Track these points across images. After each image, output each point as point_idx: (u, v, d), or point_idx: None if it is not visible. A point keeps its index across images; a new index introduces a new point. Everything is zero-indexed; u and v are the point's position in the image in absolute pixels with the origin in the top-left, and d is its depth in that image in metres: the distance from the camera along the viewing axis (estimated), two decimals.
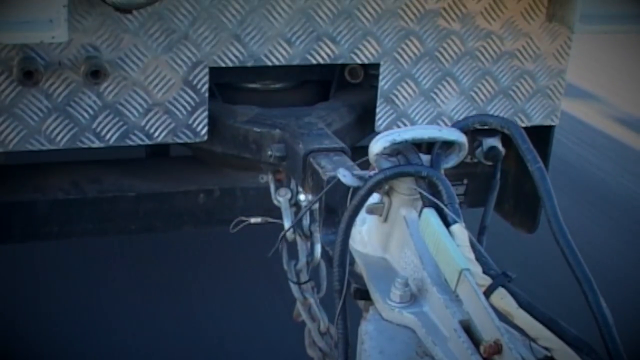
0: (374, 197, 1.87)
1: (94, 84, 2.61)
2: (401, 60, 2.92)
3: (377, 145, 1.81)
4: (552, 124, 3.18)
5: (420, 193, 1.79)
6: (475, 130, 3.03)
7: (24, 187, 2.87)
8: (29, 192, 2.86)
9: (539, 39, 3.04)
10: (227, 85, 3.02)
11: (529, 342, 1.66)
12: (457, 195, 3.24)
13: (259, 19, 2.74)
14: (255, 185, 2.92)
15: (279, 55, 2.79)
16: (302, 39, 2.80)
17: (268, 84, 3.10)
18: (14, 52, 2.53)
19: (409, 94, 2.97)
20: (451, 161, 1.86)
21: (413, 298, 1.76)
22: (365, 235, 1.94)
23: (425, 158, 1.84)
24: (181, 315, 3.73)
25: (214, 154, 2.93)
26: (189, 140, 2.79)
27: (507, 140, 1.94)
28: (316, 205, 2.33)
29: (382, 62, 2.90)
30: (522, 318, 1.66)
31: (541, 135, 3.17)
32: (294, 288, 2.41)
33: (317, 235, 2.37)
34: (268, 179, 2.78)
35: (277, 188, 2.66)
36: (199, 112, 2.76)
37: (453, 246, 1.68)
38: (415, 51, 2.93)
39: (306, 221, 2.43)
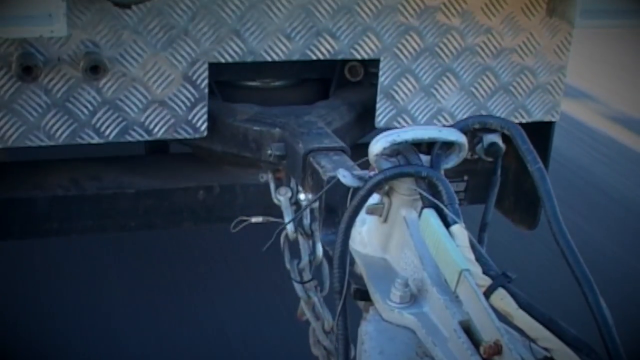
0: (374, 198, 1.87)
1: (93, 80, 2.61)
2: (401, 56, 2.92)
3: (377, 146, 1.81)
4: (553, 119, 3.17)
5: (420, 193, 1.78)
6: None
7: (24, 184, 2.87)
8: (28, 189, 2.86)
9: (539, 35, 3.04)
10: (226, 83, 3.01)
11: (529, 342, 1.66)
12: (458, 192, 3.27)
13: (258, 14, 2.73)
14: (255, 182, 2.91)
15: (279, 51, 2.78)
16: (301, 34, 2.79)
17: (268, 82, 3.10)
18: (12, 48, 2.53)
19: (409, 89, 2.96)
20: (451, 162, 1.86)
21: (413, 299, 1.76)
22: (365, 235, 1.93)
23: (425, 158, 1.84)
24: (182, 314, 3.73)
25: (213, 153, 2.93)
26: (188, 136, 2.78)
27: (507, 136, 1.94)
28: (316, 204, 2.32)
29: (382, 58, 2.90)
30: (522, 319, 1.66)
31: (542, 131, 3.17)
32: (297, 287, 2.40)
33: (319, 234, 2.37)
34: (268, 177, 2.78)
35: (277, 187, 2.66)
36: (198, 107, 2.76)
37: (453, 247, 1.68)
38: (415, 47, 2.92)
39: (307, 220, 2.42)
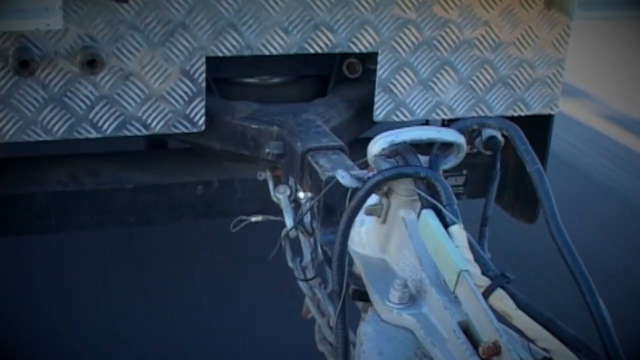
0: (373, 199, 1.87)
1: (90, 74, 2.60)
2: (399, 49, 2.91)
3: (375, 147, 1.81)
4: (552, 112, 3.17)
5: (418, 194, 1.78)
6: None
7: (22, 180, 2.87)
8: (27, 185, 2.85)
9: (537, 27, 3.03)
10: (224, 80, 3.01)
11: (528, 343, 1.66)
12: (457, 185, 3.27)
13: (255, 8, 2.72)
14: (253, 177, 2.91)
15: (276, 45, 2.77)
16: (299, 28, 2.78)
17: (266, 79, 3.09)
18: (9, 43, 2.52)
19: (407, 83, 2.95)
20: (450, 162, 1.86)
21: (412, 299, 1.76)
22: (364, 236, 1.94)
23: (424, 159, 1.84)
24: (183, 313, 3.73)
25: (212, 151, 2.92)
26: (186, 131, 2.77)
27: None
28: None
29: (379, 51, 2.89)
30: (521, 319, 1.66)
31: (540, 125, 3.16)
32: (302, 285, 2.40)
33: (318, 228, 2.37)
34: (266, 175, 2.78)
35: (275, 185, 2.66)
36: (196, 102, 2.75)
37: (452, 247, 1.68)
38: (413, 40, 2.91)
39: (307, 218, 2.42)
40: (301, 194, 2.47)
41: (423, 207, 1.78)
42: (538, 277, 3.97)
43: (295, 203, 2.55)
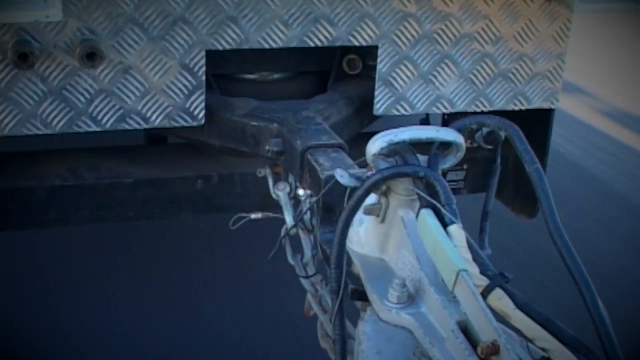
0: (372, 198, 1.87)
1: (89, 67, 2.60)
2: (399, 43, 2.90)
3: (374, 146, 1.80)
4: (552, 107, 3.16)
5: (417, 194, 1.78)
6: (474, 113, 3.04)
7: (22, 174, 2.87)
8: (26, 179, 2.85)
9: (538, 21, 3.02)
10: (224, 76, 3.00)
11: (526, 342, 1.66)
12: (457, 180, 3.26)
13: (255, 1, 2.71)
14: (253, 172, 2.90)
15: (276, 38, 2.77)
16: (299, 21, 2.78)
17: (266, 75, 3.08)
18: (8, 36, 2.52)
19: (407, 76, 2.95)
20: (449, 162, 1.86)
21: (410, 299, 1.76)
22: (363, 235, 1.94)
23: (423, 159, 1.84)
24: (183, 312, 3.73)
25: (211, 147, 2.92)
26: (186, 124, 2.77)
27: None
28: (314, 199, 2.32)
29: (380, 45, 2.88)
30: (520, 319, 1.66)
31: (541, 119, 3.16)
32: (303, 281, 2.40)
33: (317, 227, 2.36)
34: (266, 172, 2.78)
35: (275, 182, 2.66)
36: (196, 95, 2.75)
37: (450, 247, 1.68)
38: (414, 33, 2.90)
39: (307, 215, 2.41)
40: (300, 191, 2.46)
41: (422, 206, 1.78)
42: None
43: (295, 200, 2.55)
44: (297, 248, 2.44)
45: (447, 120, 3.36)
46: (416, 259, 1.77)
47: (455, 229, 1.72)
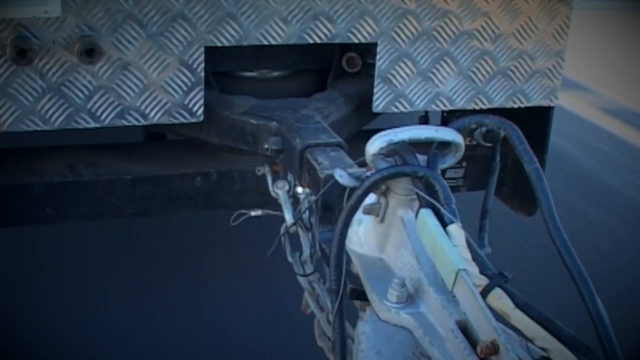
0: (371, 198, 1.87)
1: (88, 63, 2.59)
2: (398, 40, 2.90)
3: (373, 146, 1.80)
4: (551, 104, 3.16)
5: (417, 193, 1.78)
6: (474, 112, 3.03)
7: (20, 171, 2.86)
8: (25, 176, 2.84)
9: (537, 18, 3.01)
10: (223, 74, 3.00)
11: (526, 342, 1.66)
12: (456, 178, 3.26)
13: None
14: (252, 169, 2.90)
15: (276, 35, 2.76)
16: (298, 17, 2.77)
17: (265, 72, 3.08)
18: (7, 32, 2.51)
19: (406, 73, 2.94)
20: (448, 161, 1.86)
21: (410, 298, 1.76)
22: (362, 235, 1.94)
23: (422, 158, 1.84)
24: (183, 311, 3.73)
25: (210, 145, 2.92)
26: (185, 121, 2.77)
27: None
28: (312, 198, 2.32)
29: (379, 42, 2.88)
30: (519, 318, 1.66)
31: (540, 116, 3.15)
32: (301, 279, 2.40)
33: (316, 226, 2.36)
34: (265, 170, 2.78)
35: (274, 180, 2.66)
36: (195, 92, 2.74)
37: (450, 246, 1.68)
38: (413, 30, 2.90)
39: (305, 213, 2.41)
40: (299, 189, 2.46)
41: (421, 206, 1.78)
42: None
43: (294, 198, 2.55)
44: (296, 246, 2.44)
45: (447, 117, 3.36)
46: (415, 258, 1.77)
47: (455, 229, 1.72)
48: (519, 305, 1.67)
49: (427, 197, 1.76)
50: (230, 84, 3.00)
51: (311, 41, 2.80)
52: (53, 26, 2.54)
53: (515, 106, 3.09)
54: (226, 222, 2.39)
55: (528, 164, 1.82)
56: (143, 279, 3.91)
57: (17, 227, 2.91)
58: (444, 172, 1.87)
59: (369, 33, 2.86)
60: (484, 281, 1.67)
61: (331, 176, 2.05)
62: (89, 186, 2.87)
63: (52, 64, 2.58)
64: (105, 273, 3.94)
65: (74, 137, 2.87)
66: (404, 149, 1.83)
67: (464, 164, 3.25)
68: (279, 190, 2.56)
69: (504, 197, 3.36)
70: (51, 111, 2.63)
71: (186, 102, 2.74)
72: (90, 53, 2.56)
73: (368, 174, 1.84)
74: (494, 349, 1.55)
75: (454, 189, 2.85)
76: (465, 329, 1.63)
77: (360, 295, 1.87)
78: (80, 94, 2.64)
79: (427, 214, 1.74)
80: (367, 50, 3.04)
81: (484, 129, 2.95)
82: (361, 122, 3.06)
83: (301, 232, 2.41)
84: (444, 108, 3.06)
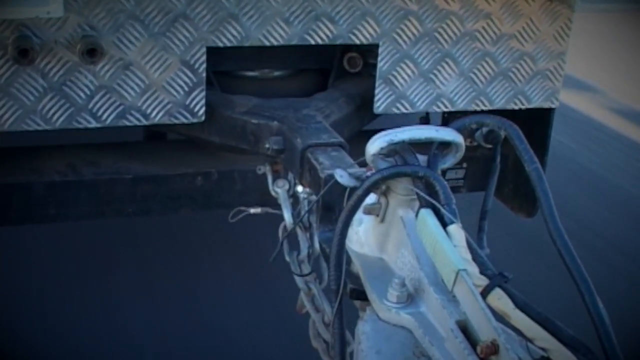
0: (371, 198, 1.87)
1: (90, 63, 2.59)
2: (400, 41, 2.90)
3: (374, 146, 1.81)
4: (552, 106, 3.16)
5: (417, 193, 1.78)
6: (474, 113, 3.03)
7: (21, 170, 2.86)
8: (26, 175, 2.84)
9: (539, 20, 3.02)
10: (225, 73, 3.00)
11: (526, 342, 1.66)
12: (457, 179, 3.26)
13: None
14: (253, 168, 2.90)
15: (277, 36, 2.76)
16: (300, 18, 2.77)
17: (266, 72, 3.08)
18: (9, 31, 2.51)
19: (407, 75, 2.95)
20: (448, 161, 1.86)
21: (410, 298, 1.76)
22: (362, 235, 1.94)
23: (422, 158, 1.84)
24: (183, 311, 3.73)
25: (211, 144, 2.92)
26: (186, 121, 2.77)
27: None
28: (313, 197, 2.32)
29: (380, 43, 2.88)
30: (519, 318, 1.65)
31: (541, 118, 3.15)
32: (297, 279, 2.40)
33: (316, 226, 2.37)
34: (265, 170, 2.78)
35: (274, 179, 2.66)
36: (196, 92, 2.74)
37: (450, 247, 1.67)
38: (415, 32, 2.90)
39: (303, 212, 2.41)
40: (299, 188, 2.46)
41: (421, 206, 1.78)
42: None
43: (294, 197, 2.55)
44: (294, 245, 2.44)
45: (448, 118, 3.36)
46: (416, 258, 1.77)
47: (455, 229, 1.72)
48: (519, 305, 1.66)
49: (428, 197, 1.76)
50: (232, 84, 3.01)
51: (313, 42, 2.80)
52: (55, 26, 2.54)
53: (517, 108, 3.09)
54: (227, 222, 2.40)
55: (528, 163, 1.82)
56: (143, 278, 3.91)
57: (18, 225, 2.91)
58: (444, 172, 1.87)
59: (370, 34, 2.86)
60: (484, 281, 1.67)
61: (332, 176, 2.05)
62: (89, 185, 2.87)
63: (53, 64, 2.59)
64: (105, 272, 3.94)
65: (75, 136, 2.87)
66: (405, 149, 1.83)
67: (465, 164, 3.25)
68: (278, 189, 2.56)
69: (504, 198, 3.36)
70: (52, 111, 2.63)
71: (188, 102, 2.75)
72: (92, 53, 2.57)
73: (368, 174, 1.84)
74: (494, 349, 1.55)
75: (454, 189, 2.86)
76: (465, 329, 1.63)
77: (360, 295, 1.87)
78: (82, 94, 2.64)
79: (427, 214, 1.74)
80: (369, 51, 3.05)
81: (484, 130, 2.97)
82: (362, 122, 3.06)
83: (299, 232, 2.41)
84: (445, 109, 3.06)
